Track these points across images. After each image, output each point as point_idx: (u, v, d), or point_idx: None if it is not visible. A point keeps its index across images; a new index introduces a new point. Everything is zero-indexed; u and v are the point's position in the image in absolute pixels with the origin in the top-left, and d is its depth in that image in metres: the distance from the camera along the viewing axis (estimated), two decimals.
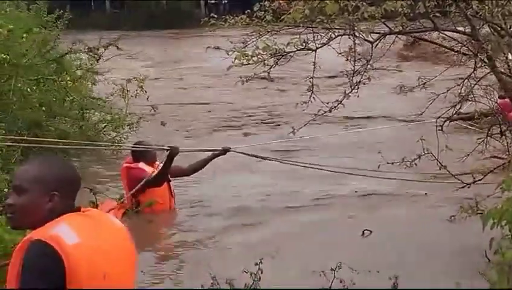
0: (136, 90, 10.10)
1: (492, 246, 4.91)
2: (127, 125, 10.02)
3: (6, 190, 6.16)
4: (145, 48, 17.90)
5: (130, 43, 14.61)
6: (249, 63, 5.62)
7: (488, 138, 8.07)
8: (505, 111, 9.33)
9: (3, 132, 7.13)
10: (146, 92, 10.26)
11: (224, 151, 7.86)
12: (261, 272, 4.33)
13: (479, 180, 7.29)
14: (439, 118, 7.14)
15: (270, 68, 5.74)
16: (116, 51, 10.06)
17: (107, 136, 9.95)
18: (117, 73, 12.31)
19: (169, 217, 7.65)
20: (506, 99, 9.04)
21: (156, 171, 7.51)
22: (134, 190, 7.33)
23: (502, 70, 6.36)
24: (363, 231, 6.81)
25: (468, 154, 7.54)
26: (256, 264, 4.34)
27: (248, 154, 8.14)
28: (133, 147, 7.83)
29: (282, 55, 5.64)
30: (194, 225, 7.32)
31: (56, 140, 7.35)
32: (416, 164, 7.01)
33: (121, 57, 13.04)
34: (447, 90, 6.26)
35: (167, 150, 7.46)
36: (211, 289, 4.25)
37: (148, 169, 7.56)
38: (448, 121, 7.41)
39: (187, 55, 17.83)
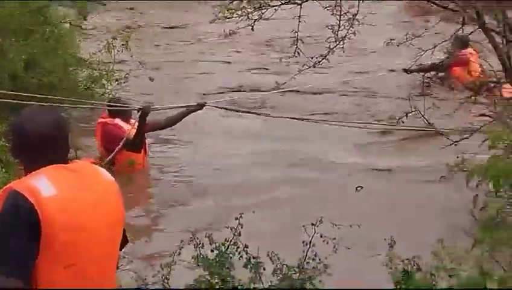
0: (123, 45, 9.94)
1: (476, 203, 4.91)
2: (115, 81, 9.87)
3: None
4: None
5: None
6: (232, 17, 5.53)
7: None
8: (451, 64, 9.25)
9: None
10: (130, 49, 10.08)
11: (200, 106, 7.76)
12: (241, 227, 4.28)
13: (466, 138, 7.25)
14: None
15: (254, 22, 5.64)
16: (102, 6, 9.87)
17: (96, 93, 9.81)
18: (105, 30, 12.13)
19: (145, 176, 7.56)
20: (458, 53, 8.99)
21: (131, 128, 7.41)
22: (114, 152, 7.20)
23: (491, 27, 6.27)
24: (356, 188, 6.79)
25: (454, 111, 7.48)
26: (236, 219, 4.30)
27: (225, 108, 8.02)
28: (107, 104, 7.70)
29: (267, 8, 5.55)
30: (172, 185, 7.25)
31: (32, 95, 7.12)
32: (403, 122, 6.97)
33: (110, 14, 12.90)
34: (434, 46, 6.18)
35: (138, 110, 7.36)
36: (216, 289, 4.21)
37: (125, 126, 7.46)
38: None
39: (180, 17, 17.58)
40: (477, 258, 4.26)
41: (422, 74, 9.22)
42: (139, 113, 7.32)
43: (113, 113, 7.53)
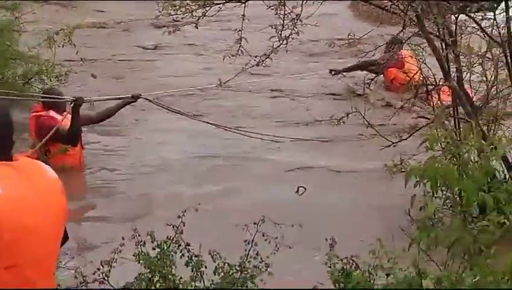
0: (64, 40, 9.78)
1: (413, 203, 5.00)
2: (55, 77, 9.72)
3: None
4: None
5: None
6: (176, 14, 5.51)
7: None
8: (386, 65, 9.39)
9: None
10: (75, 45, 9.94)
11: (135, 98, 7.71)
12: (184, 225, 4.28)
13: (405, 139, 7.38)
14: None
15: (198, 19, 5.63)
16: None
17: (35, 88, 9.64)
18: (46, 23, 11.93)
19: (82, 172, 7.48)
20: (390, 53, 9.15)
21: (63, 118, 7.32)
22: (44, 139, 7.10)
23: (431, 30, 6.39)
24: (297, 188, 6.85)
25: (394, 113, 7.62)
26: (178, 216, 4.30)
27: (157, 104, 7.99)
28: (42, 96, 7.59)
29: (211, 6, 5.55)
30: (110, 182, 7.19)
31: None
32: (344, 122, 7.04)
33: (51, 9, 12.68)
34: (375, 48, 6.27)
35: (71, 101, 7.28)
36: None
37: (59, 118, 7.37)
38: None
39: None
40: (414, 257, 4.35)
41: (346, 73, 9.39)
42: (72, 105, 7.25)
43: (46, 106, 7.44)
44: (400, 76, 9.29)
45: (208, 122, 8.07)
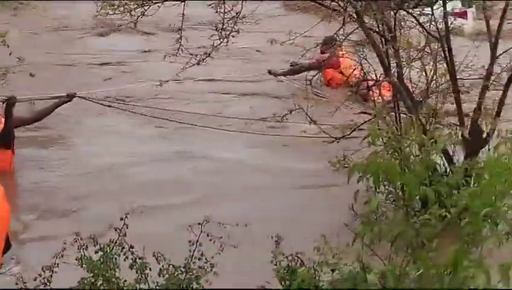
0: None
1: (357, 199, 5.03)
2: None
3: None
4: None
5: None
6: (114, 13, 5.45)
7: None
8: (324, 65, 9.43)
9: None
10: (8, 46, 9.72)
11: (70, 97, 7.59)
12: (127, 227, 4.23)
13: (347, 135, 7.44)
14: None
15: (137, 18, 5.58)
16: None
17: None
18: None
19: (14, 177, 7.32)
20: (324, 55, 9.22)
21: None
22: None
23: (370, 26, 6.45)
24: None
25: (336, 109, 7.67)
26: (121, 219, 4.24)
27: (96, 102, 7.87)
28: None
29: (150, 5, 5.50)
30: (47, 186, 7.07)
31: None
32: (287, 119, 7.07)
33: None
34: (316, 45, 6.29)
35: (3, 101, 7.13)
36: None
37: None
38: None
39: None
40: (358, 252, 4.38)
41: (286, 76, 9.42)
42: (4, 105, 7.09)
43: None
44: (337, 76, 9.33)
45: (146, 115, 7.94)
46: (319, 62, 9.25)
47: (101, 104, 7.91)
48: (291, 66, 9.66)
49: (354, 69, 7.44)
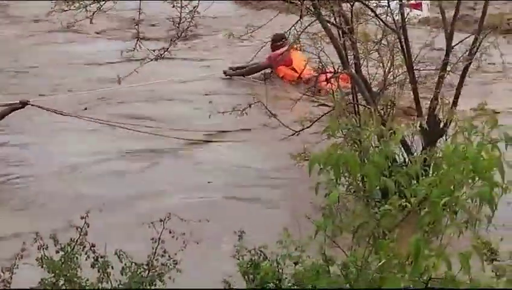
0: None
1: (318, 191, 5.04)
2: None
3: None
4: None
5: None
6: (70, 9, 5.38)
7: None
8: (276, 63, 9.44)
9: None
10: None
11: (23, 104, 7.52)
12: (88, 226, 4.19)
13: (307, 127, 7.45)
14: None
15: (93, 14, 5.51)
16: None
17: None
18: None
19: None
20: (276, 52, 9.21)
21: None
22: None
23: (327, 18, 6.46)
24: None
25: (296, 102, 7.68)
26: (82, 218, 4.20)
27: (48, 110, 7.79)
28: None
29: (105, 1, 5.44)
30: (8, 186, 6.96)
31: None
32: (247, 113, 7.04)
33: None
34: (264, 45, 6.28)
35: None
36: None
37: None
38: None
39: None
40: (320, 244, 4.39)
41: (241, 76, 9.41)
42: None
43: None
44: (289, 73, 9.32)
45: (99, 121, 7.87)
46: (270, 60, 9.30)
47: (53, 111, 7.83)
48: (231, 69, 9.66)
49: (306, 65, 7.43)
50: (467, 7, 9.99)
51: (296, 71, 9.23)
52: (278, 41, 8.70)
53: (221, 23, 11.14)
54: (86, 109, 8.93)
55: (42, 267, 4.13)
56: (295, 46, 8.32)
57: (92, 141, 8.02)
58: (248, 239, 4.54)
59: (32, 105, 7.63)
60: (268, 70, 9.60)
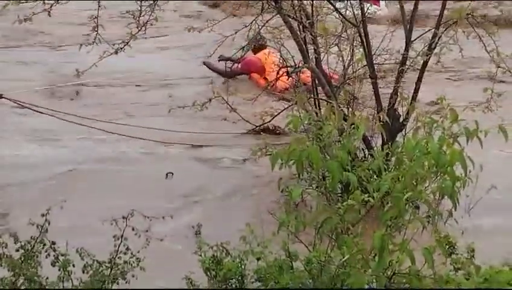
0: None
1: (281, 186, 5.04)
2: None
3: None
4: None
5: None
6: (27, 1, 5.27)
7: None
8: (249, 71, 9.41)
9: None
10: None
11: None
12: (49, 224, 4.11)
13: (268, 122, 7.45)
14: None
15: (51, 7, 5.41)
16: None
17: None
18: None
19: None
20: (252, 57, 9.15)
21: None
22: None
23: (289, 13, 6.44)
24: (166, 174, 6.76)
25: (257, 97, 7.66)
26: (43, 215, 4.12)
27: (20, 103, 7.64)
28: None
29: None
30: None
31: None
32: (207, 107, 7.01)
33: None
34: (235, 32, 6.23)
35: None
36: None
37: None
38: None
39: None
40: (283, 240, 4.39)
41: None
42: None
43: None
44: (262, 83, 9.23)
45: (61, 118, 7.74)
46: (243, 68, 9.24)
47: (27, 106, 7.68)
48: (219, 60, 9.58)
49: (277, 78, 7.41)
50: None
51: (267, 81, 9.10)
52: (257, 47, 8.66)
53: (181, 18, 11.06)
54: (77, 93, 8.77)
55: (1, 265, 4.04)
56: (267, 52, 8.34)
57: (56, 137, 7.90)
58: (210, 235, 4.51)
59: (6, 98, 7.46)
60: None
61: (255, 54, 9.13)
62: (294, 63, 6.97)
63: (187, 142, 7.55)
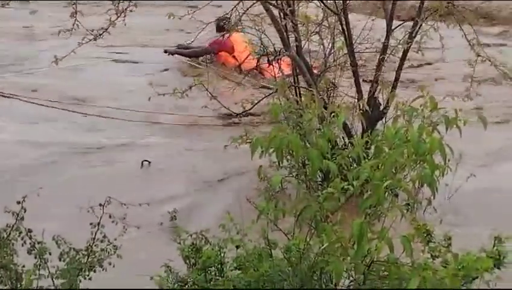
0: None
1: (260, 174, 5.02)
2: None
3: None
4: None
5: None
6: None
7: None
8: (218, 50, 9.35)
9: None
10: None
11: None
12: (25, 211, 4.07)
13: (249, 109, 7.43)
14: None
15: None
16: None
17: None
18: None
19: None
20: (220, 38, 9.12)
21: None
22: None
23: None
24: (141, 162, 6.74)
25: (238, 85, 7.64)
26: (18, 202, 4.07)
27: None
28: None
29: None
30: None
31: None
32: (187, 95, 6.97)
33: None
34: (216, 19, 6.20)
35: None
36: None
37: None
38: None
39: None
40: (262, 228, 4.37)
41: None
42: None
43: None
44: (230, 61, 9.19)
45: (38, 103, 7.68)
46: (211, 46, 9.20)
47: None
48: (178, 48, 9.53)
49: (247, 57, 7.37)
50: None
51: (236, 59, 9.08)
52: (221, 26, 8.59)
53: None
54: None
55: None
56: (236, 29, 8.28)
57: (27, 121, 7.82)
58: (190, 223, 4.48)
59: None
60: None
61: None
62: (275, 50, 6.95)
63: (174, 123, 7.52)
